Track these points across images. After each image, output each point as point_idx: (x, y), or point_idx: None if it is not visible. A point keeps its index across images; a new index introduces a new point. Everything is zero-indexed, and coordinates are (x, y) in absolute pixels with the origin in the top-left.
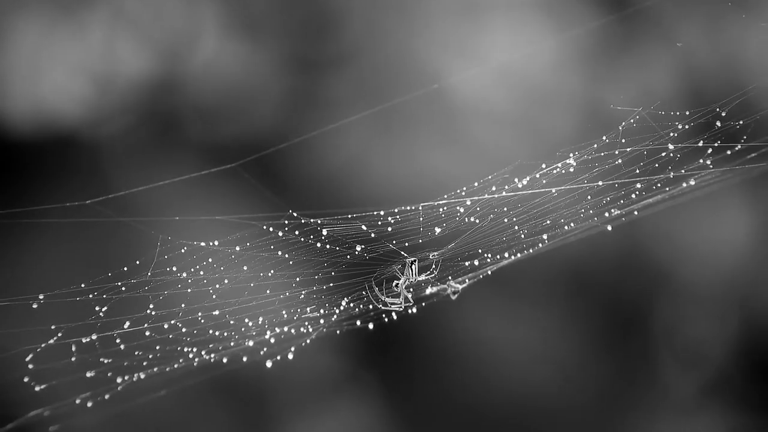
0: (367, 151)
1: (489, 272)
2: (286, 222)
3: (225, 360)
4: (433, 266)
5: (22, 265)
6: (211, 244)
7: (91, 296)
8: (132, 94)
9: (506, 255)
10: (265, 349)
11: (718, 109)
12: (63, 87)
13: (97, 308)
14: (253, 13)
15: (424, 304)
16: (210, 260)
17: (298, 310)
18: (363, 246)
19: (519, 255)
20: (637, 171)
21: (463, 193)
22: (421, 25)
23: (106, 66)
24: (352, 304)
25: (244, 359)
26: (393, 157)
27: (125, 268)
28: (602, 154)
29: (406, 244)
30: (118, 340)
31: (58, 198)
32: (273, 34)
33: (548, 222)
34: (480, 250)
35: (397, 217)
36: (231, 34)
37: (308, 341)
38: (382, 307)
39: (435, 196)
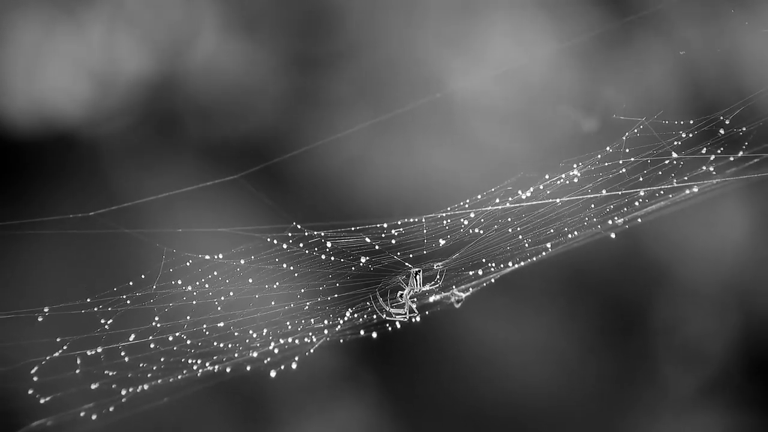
0: (369, 153)
1: (492, 280)
2: (290, 234)
3: (228, 370)
4: (438, 276)
5: (25, 277)
6: (216, 257)
7: (96, 309)
8: (132, 93)
9: (510, 264)
10: (268, 359)
11: (721, 117)
12: (62, 86)
13: (102, 321)
14: (252, 11)
15: (428, 312)
16: (215, 273)
17: (303, 321)
18: (367, 257)
19: (523, 263)
20: (641, 179)
21: (467, 205)
22: (421, 24)
23: (105, 65)
24: (356, 315)
25: (248, 369)
26: (394, 159)
27: (131, 282)
28: (606, 164)
29: (411, 256)
30: (123, 353)
31: (59, 200)
32: (273, 32)
33: (552, 231)
34: (484, 260)
35: (401, 229)
36: (231, 32)
37: (312, 350)
38: (387, 317)
39: (438, 199)
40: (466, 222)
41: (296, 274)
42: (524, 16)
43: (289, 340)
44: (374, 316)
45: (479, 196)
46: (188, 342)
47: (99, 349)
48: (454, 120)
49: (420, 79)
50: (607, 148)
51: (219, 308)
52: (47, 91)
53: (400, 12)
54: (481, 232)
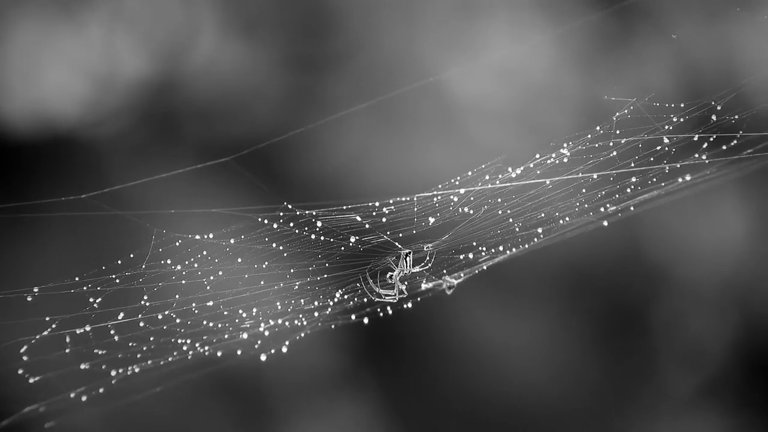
0: (364, 146)
1: (484, 267)
2: (281, 214)
3: (219, 353)
4: (428, 258)
5: (17, 260)
6: (205, 236)
7: (85, 288)
8: (131, 93)
9: (501, 249)
10: (259, 342)
11: (713, 103)
12: (62, 87)
13: (91, 299)
14: (251, 11)
15: (419, 298)
16: (204, 252)
17: (292, 301)
18: (357, 237)
19: (514, 250)
20: (632, 165)
21: (457, 183)
22: (419, 23)
23: (105, 66)
24: (346, 296)
25: (239, 352)
26: (389, 153)
27: (119, 261)
28: (596, 145)
29: (400, 235)
30: (112, 332)
31: (57, 197)
32: (271, 32)
33: (543, 215)
34: (474, 243)
35: (392, 207)
36: (229, 33)
37: (303, 335)
38: (377, 299)
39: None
40: (455, 199)
41: (285, 254)
42: (521, 11)
43: (279, 321)
44: (365, 299)
45: (469, 173)
46: (177, 321)
47: (88, 328)
48: (451, 117)
49: (418, 78)
50: (597, 128)
51: (208, 287)
52: (47, 92)
53: (399, 12)
54: (471, 211)
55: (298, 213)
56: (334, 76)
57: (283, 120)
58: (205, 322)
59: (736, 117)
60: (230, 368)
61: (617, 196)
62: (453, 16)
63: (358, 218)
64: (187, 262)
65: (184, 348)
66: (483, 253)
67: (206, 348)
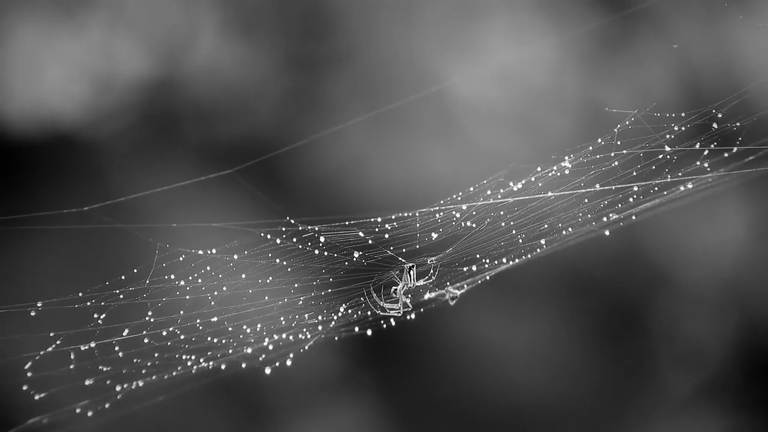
0: (365, 153)
1: (487, 277)
2: (284, 229)
3: (223, 367)
4: (431, 271)
5: (19, 272)
6: (209, 252)
7: (89, 304)
8: (130, 95)
9: (504, 260)
10: (263, 355)
11: (714, 111)
12: (62, 88)
13: (95, 315)
14: (250, 13)
15: (422, 309)
16: (208, 268)
17: (296, 316)
18: (361, 252)
19: (517, 260)
20: (634, 174)
21: (459, 198)
22: (419, 25)
23: (104, 67)
24: (350, 311)
25: (243, 366)
26: (391, 159)
27: (123, 277)
28: (598, 156)
29: (404, 250)
30: (116, 348)
31: (56, 199)
32: (271, 34)
33: (546, 226)
34: (478, 255)
35: (394, 223)
36: (229, 34)
37: (306, 347)
38: (381, 313)
39: (433, 198)
40: (458, 215)
41: (289, 269)
42: (522, 17)
43: (284, 336)
44: (368, 312)
45: (471, 189)
46: (182, 337)
47: (92, 344)
48: (451, 121)
49: (418, 80)
50: (599, 140)
51: (212, 303)
52: (47, 93)
53: (398, 13)
54: (474, 225)
55: (300, 228)
56: (334, 76)
57: (282, 120)
58: (209, 338)
59: (738, 124)
60: (231, 372)
61: (620, 205)
62: (452, 17)
63: (361, 234)
64: (191, 278)
65: (189, 363)
66: (486, 265)
67: (210, 363)
